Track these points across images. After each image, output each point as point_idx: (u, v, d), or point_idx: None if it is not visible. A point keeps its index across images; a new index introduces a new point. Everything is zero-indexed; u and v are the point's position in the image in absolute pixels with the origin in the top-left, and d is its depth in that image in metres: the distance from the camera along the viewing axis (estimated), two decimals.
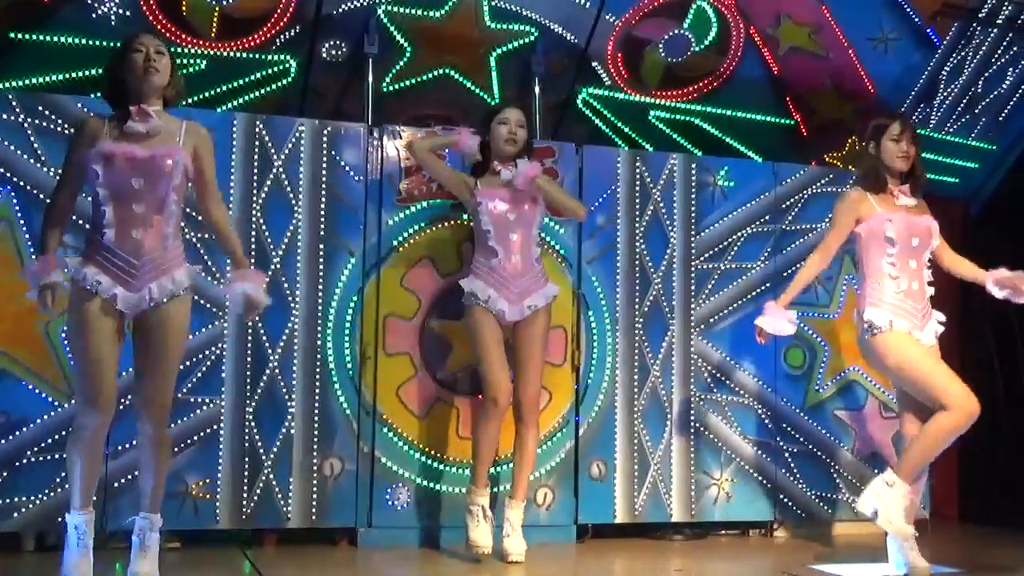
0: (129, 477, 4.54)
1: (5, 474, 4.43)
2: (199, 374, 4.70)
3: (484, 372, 4.56)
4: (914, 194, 4.48)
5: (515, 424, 4.66)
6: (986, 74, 6.45)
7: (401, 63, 5.77)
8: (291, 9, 5.57)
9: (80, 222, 4.48)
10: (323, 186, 4.97)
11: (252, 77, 5.54)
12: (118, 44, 3.79)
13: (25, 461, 4.44)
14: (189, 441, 4.65)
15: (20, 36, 5.19)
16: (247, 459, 4.74)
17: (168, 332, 3.66)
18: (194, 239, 4.67)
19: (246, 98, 5.51)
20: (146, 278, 3.60)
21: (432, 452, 4.98)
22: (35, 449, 4.45)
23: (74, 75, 5.19)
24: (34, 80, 5.13)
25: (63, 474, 4.38)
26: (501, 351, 4.59)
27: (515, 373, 4.63)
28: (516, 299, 4.58)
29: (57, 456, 4.38)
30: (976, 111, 6.53)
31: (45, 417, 4.49)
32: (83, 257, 3.64)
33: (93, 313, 3.57)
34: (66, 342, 4.43)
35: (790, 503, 5.53)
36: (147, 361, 3.67)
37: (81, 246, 3.80)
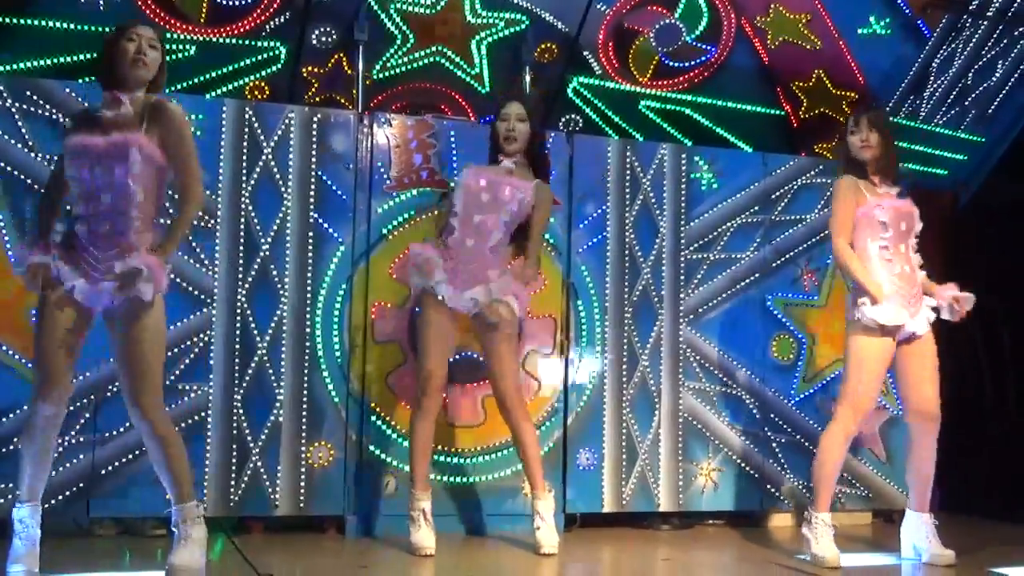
0: (116, 464, 4.54)
1: None
2: (187, 361, 4.69)
3: (420, 360, 4.51)
4: (887, 183, 4.53)
5: (505, 420, 4.58)
6: (976, 66, 6.46)
7: (391, 50, 5.76)
8: None
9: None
10: (313, 173, 4.95)
11: (242, 64, 5.52)
12: (108, 29, 3.77)
13: (12, 448, 4.42)
14: (176, 428, 4.62)
15: (7, 20, 5.16)
16: (235, 447, 4.74)
17: (135, 330, 3.57)
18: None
19: (236, 84, 5.48)
20: (110, 270, 3.53)
21: None
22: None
23: (62, 60, 5.17)
24: (22, 65, 5.10)
25: None
26: (444, 343, 4.50)
27: (489, 376, 4.59)
28: (460, 286, 4.46)
29: None
30: (966, 103, 6.54)
31: None
32: (54, 247, 3.63)
33: (52, 302, 3.57)
34: None
35: (777, 493, 5.55)
36: (119, 360, 3.64)
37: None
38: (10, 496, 4.37)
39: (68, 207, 3.73)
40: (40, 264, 3.55)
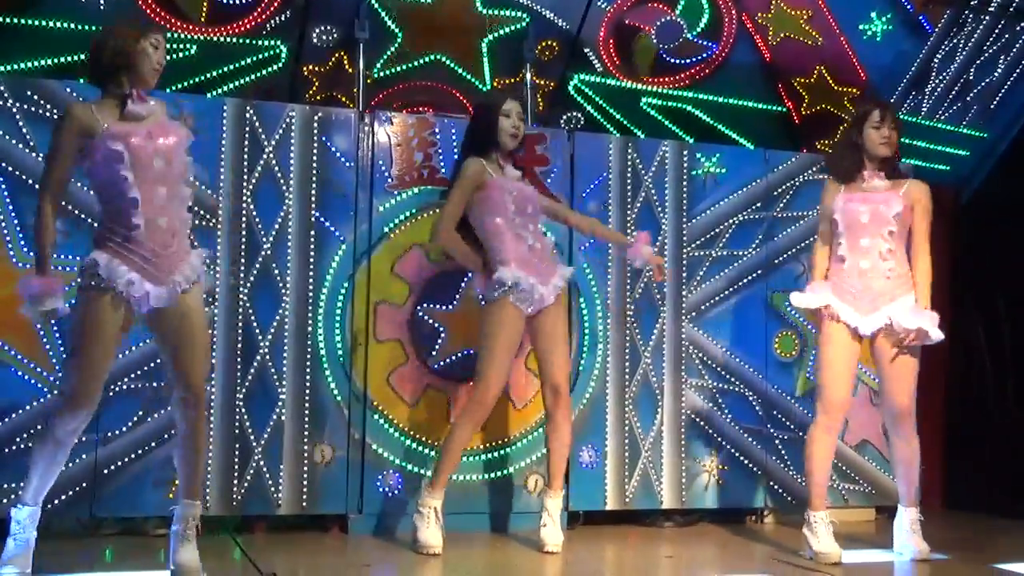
0: (119, 464, 4.54)
1: None
2: None
3: (484, 368, 4.43)
4: (889, 176, 4.53)
5: (549, 413, 4.59)
6: (978, 61, 6.45)
7: (392, 48, 5.75)
8: None
9: (69, 207, 4.48)
10: (314, 172, 4.95)
11: (242, 63, 5.52)
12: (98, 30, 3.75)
13: (14, 448, 4.42)
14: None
15: (8, 20, 5.16)
16: (237, 446, 4.74)
17: (195, 318, 3.63)
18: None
19: (236, 83, 5.48)
20: (171, 268, 3.56)
21: (423, 439, 4.98)
22: (24, 436, 4.43)
23: (63, 60, 5.16)
24: (23, 65, 5.10)
25: None
26: (512, 354, 4.51)
27: (543, 360, 4.59)
28: (546, 281, 4.51)
29: None
30: (968, 99, 6.53)
31: (34, 403, 4.48)
32: (108, 253, 3.52)
33: (109, 314, 3.51)
34: (57, 331, 4.42)
35: (780, 490, 5.55)
36: (182, 349, 3.61)
37: (92, 235, 3.67)
38: (12, 496, 4.39)
39: (114, 205, 3.57)
40: (52, 312, 3.48)
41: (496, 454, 5.09)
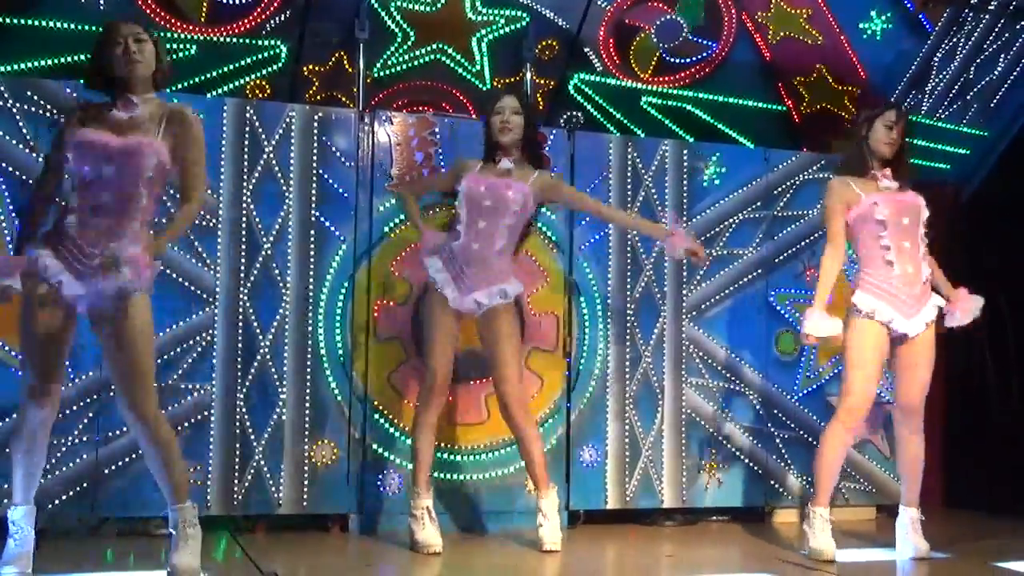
0: (120, 464, 4.54)
1: None
2: (190, 360, 4.69)
3: (427, 356, 4.53)
4: (896, 179, 4.53)
5: (506, 420, 4.56)
6: (978, 60, 6.44)
7: (392, 48, 5.75)
8: None
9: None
10: (314, 172, 4.95)
11: (242, 62, 5.51)
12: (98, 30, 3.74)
13: None
14: (180, 428, 4.63)
15: (8, 21, 5.16)
16: (238, 445, 4.74)
17: (126, 332, 3.47)
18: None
19: (236, 83, 5.48)
20: (100, 270, 3.44)
21: None
22: None
23: (63, 60, 5.16)
24: (22, 65, 5.10)
25: (53, 460, 4.38)
26: (449, 339, 4.51)
27: (490, 368, 4.59)
28: (466, 290, 4.47)
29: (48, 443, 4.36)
30: (968, 97, 6.52)
31: None
32: (42, 240, 3.55)
33: (38, 299, 3.49)
34: None
35: (781, 489, 5.55)
36: (112, 364, 3.55)
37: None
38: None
39: (64, 202, 3.62)
40: (3, 287, 3.42)
41: (496, 454, 5.09)
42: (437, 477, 4.90)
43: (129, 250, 3.47)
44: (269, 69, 5.59)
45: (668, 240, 4.51)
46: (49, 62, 5.14)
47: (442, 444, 4.96)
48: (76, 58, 5.13)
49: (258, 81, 5.58)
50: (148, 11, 5.33)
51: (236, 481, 4.72)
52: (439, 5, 5.78)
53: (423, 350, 4.62)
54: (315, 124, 4.98)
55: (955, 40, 6.41)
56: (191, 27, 5.44)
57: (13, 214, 4.52)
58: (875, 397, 4.51)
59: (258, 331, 4.81)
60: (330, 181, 4.97)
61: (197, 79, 5.36)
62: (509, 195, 4.50)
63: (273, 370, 4.82)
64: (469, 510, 5.03)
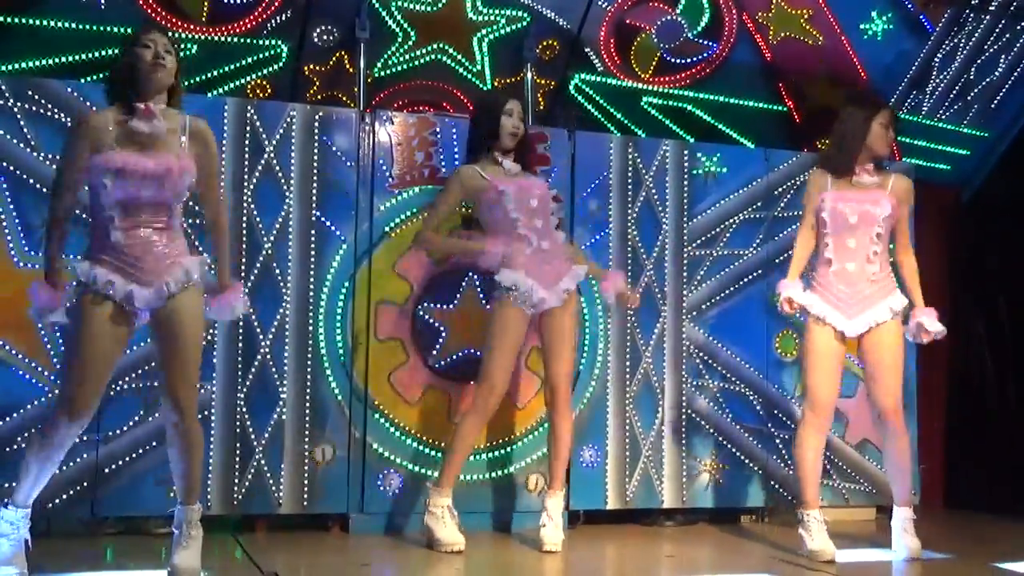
0: (120, 463, 4.55)
1: None
2: None
3: (490, 369, 4.47)
4: (879, 172, 4.54)
5: (550, 413, 4.63)
6: (978, 61, 6.45)
7: (392, 48, 5.75)
8: None
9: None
10: (315, 172, 4.95)
11: (243, 62, 5.51)
12: (110, 28, 3.74)
13: (15, 447, 4.42)
14: None
15: (9, 20, 5.15)
16: (238, 445, 4.74)
17: (185, 322, 3.60)
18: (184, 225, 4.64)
19: (237, 83, 5.48)
20: (158, 272, 3.55)
21: (424, 438, 4.98)
22: (25, 435, 4.42)
23: (64, 59, 5.16)
24: (24, 65, 5.09)
25: None
26: (515, 356, 4.55)
27: (548, 359, 4.62)
28: (552, 284, 4.52)
29: None
30: (968, 98, 6.53)
31: (36, 403, 4.48)
32: (90, 260, 3.56)
33: (102, 319, 3.51)
34: (58, 331, 4.40)
35: (781, 489, 5.55)
36: (169, 354, 3.61)
37: (84, 242, 3.70)
38: None
39: (95, 218, 3.62)
40: (55, 323, 3.58)
41: (497, 453, 5.09)
42: (423, 475, 4.89)
43: (192, 260, 3.65)
44: (270, 69, 5.58)
45: (602, 283, 4.72)
46: (50, 61, 5.13)
47: (431, 441, 4.96)
48: (77, 57, 5.13)
49: (259, 81, 5.58)
50: (149, 10, 5.32)
51: (236, 481, 4.72)
52: (440, 5, 5.78)
53: (483, 361, 4.52)
54: (316, 124, 4.98)
55: (956, 41, 6.41)
56: (192, 27, 5.43)
57: (15, 217, 4.51)
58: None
59: (259, 331, 4.81)
60: (331, 181, 4.97)
61: (198, 79, 5.35)
62: (530, 185, 4.60)
63: (273, 370, 4.82)
64: (469, 509, 5.02)
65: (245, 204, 4.84)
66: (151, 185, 3.55)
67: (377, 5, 5.66)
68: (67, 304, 3.56)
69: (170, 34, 3.63)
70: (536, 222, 4.55)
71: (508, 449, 5.09)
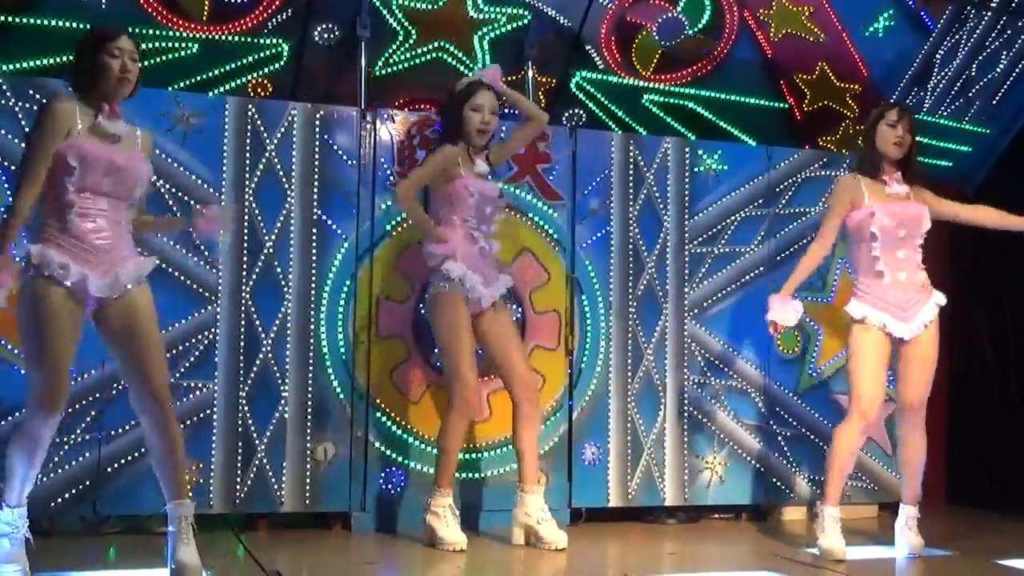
0: (122, 462, 4.55)
1: None
2: (192, 359, 4.70)
3: (454, 365, 4.48)
4: (907, 182, 4.54)
5: (518, 404, 4.61)
6: (980, 57, 6.44)
7: (394, 46, 5.75)
8: None
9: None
10: (316, 170, 4.95)
11: (244, 61, 5.51)
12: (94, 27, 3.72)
13: None
14: (182, 426, 4.59)
15: (10, 20, 5.16)
16: (240, 443, 4.74)
17: (144, 317, 3.60)
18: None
19: (238, 82, 5.48)
20: (111, 262, 3.54)
21: (426, 436, 4.98)
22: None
23: (65, 59, 5.14)
24: (25, 64, 5.10)
25: (56, 459, 4.39)
26: (472, 344, 4.54)
27: (503, 358, 4.61)
28: (488, 284, 4.55)
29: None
30: (970, 95, 6.52)
31: None
32: (41, 242, 3.52)
33: (56, 303, 3.47)
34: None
35: (783, 486, 5.55)
36: (136, 347, 3.58)
37: (33, 228, 3.62)
38: None
39: (56, 198, 3.56)
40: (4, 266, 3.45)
41: (497, 452, 5.09)
42: (425, 473, 4.89)
43: (136, 256, 3.66)
44: (271, 67, 5.58)
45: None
46: (51, 61, 5.13)
47: (433, 439, 4.93)
48: None
49: (260, 79, 5.57)
50: (150, 9, 5.32)
51: (238, 479, 4.72)
52: (441, 3, 5.77)
53: (446, 360, 4.57)
54: (317, 122, 4.98)
55: (957, 37, 6.40)
56: (193, 25, 5.43)
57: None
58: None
59: (260, 329, 4.81)
60: (332, 179, 4.97)
61: (199, 77, 5.36)
62: (491, 192, 4.63)
63: (275, 368, 4.82)
64: (470, 509, 5.03)
65: (246, 203, 4.83)
66: (116, 179, 3.58)
67: (378, 3, 5.66)
68: (11, 292, 3.47)
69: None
70: (483, 226, 4.60)
71: (508, 448, 5.04)
